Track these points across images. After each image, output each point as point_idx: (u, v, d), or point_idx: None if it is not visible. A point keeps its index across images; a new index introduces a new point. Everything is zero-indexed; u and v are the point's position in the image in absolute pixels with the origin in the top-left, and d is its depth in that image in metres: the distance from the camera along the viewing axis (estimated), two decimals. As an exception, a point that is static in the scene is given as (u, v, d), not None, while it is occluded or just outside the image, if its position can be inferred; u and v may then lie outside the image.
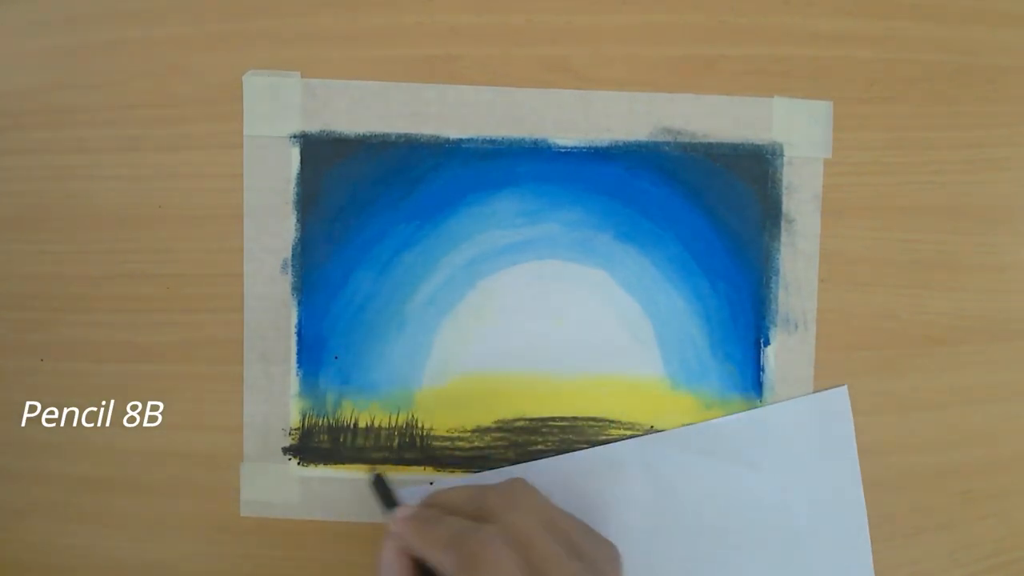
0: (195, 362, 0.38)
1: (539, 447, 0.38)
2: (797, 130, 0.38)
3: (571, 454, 0.38)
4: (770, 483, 0.38)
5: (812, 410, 0.38)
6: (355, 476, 0.38)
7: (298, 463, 0.38)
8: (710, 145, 0.38)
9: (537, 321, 0.38)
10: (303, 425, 0.38)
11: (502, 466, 0.38)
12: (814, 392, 0.38)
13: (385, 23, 0.38)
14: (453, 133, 0.38)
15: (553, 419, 0.38)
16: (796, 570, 0.37)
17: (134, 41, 0.38)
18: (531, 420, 0.38)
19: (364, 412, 0.38)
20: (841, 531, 0.38)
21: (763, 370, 0.38)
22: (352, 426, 0.38)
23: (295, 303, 0.38)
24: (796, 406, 0.38)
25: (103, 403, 0.38)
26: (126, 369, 0.38)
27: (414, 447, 0.38)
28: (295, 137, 0.38)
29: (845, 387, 0.38)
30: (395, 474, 0.38)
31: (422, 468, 0.38)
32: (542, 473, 0.37)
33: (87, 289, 0.38)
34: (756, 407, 0.38)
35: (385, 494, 0.33)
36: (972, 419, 0.39)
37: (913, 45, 0.38)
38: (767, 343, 0.38)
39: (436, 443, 0.38)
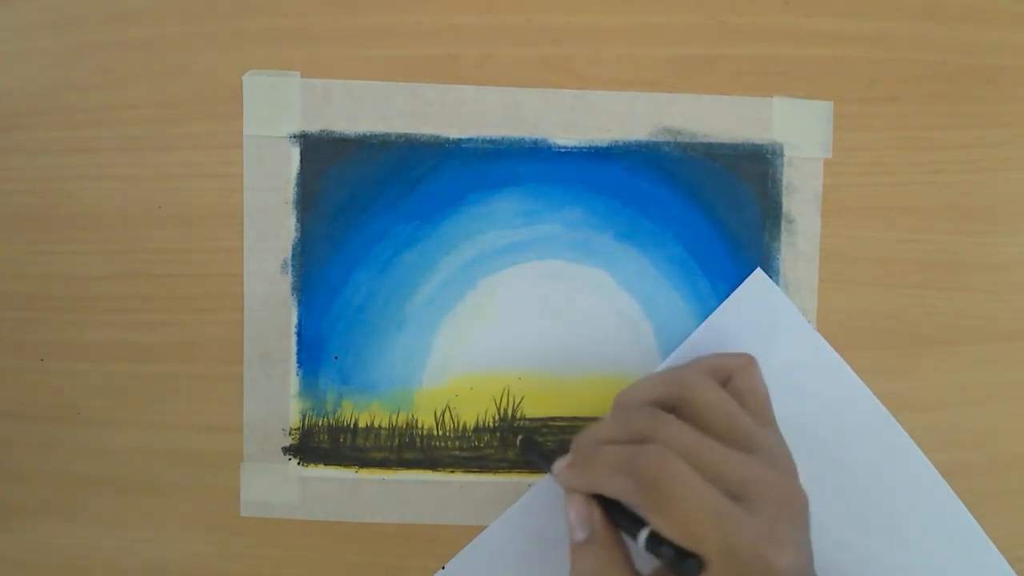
0: (195, 362, 0.38)
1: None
2: (797, 130, 0.38)
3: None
4: None
5: (740, 306, 0.38)
6: (355, 476, 0.38)
7: (298, 463, 0.38)
8: (710, 145, 0.38)
9: (537, 321, 0.38)
10: (303, 425, 0.38)
11: (502, 467, 0.38)
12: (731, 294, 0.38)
13: (385, 23, 0.38)
14: (453, 133, 0.38)
15: (553, 419, 0.38)
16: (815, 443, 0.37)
17: (134, 41, 0.38)
18: (531, 420, 0.38)
19: (364, 412, 0.38)
20: (833, 394, 0.37)
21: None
22: (352, 426, 0.38)
23: (295, 303, 0.38)
24: (723, 314, 0.38)
25: (103, 403, 0.38)
26: (126, 369, 0.38)
27: (414, 447, 0.38)
28: (295, 137, 0.38)
29: (758, 268, 0.38)
30: (395, 474, 0.38)
31: (422, 468, 0.38)
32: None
33: (87, 289, 0.38)
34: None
35: (539, 452, 0.34)
36: (972, 419, 0.39)
37: (913, 45, 0.38)
38: (767, 343, 0.38)
39: (436, 443, 0.38)
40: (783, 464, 0.31)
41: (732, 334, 0.37)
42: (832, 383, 0.38)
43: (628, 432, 0.31)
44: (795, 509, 0.29)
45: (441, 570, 0.37)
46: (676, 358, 0.38)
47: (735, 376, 0.33)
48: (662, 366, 0.38)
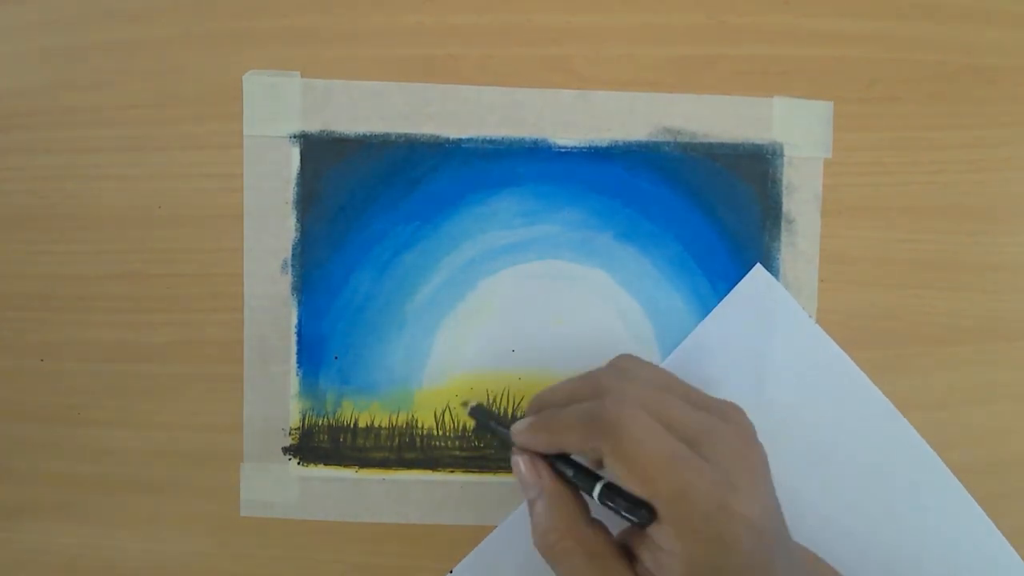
0: (195, 362, 0.38)
1: (539, 447, 0.38)
2: (797, 130, 0.38)
3: None
4: (744, 386, 0.37)
5: (740, 302, 0.38)
6: (355, 476, 0.38)
7: (298, 463, 0.38)
8: (710, 145, 0.38)
9: (537, 321, 0.38)
10: (303, 425, 0.38)
11: (502, 467, 0.38)
12: (731, 290, 0.38)
13: (385, 23, 0.38)
14: (453, 133, 0.38)
15: (553, 419, 0.38)
16: (823, 448, 0.37)
17: (134, 41, 0.38)
18: (531, 420, 0.38)
19: (364, 412, 0.38)
20: (836, 387, 0.38)
21: (763, 370, 0.38)
22: (352, 426, 0.38)
23: (295, 303, 0.38)
24: (724, 310, 0.38)
25: (103, 403, 0.38)
26: (126, 369, 0.38)
27: (414, 447, 0.38)
28: (295, 137, 0.38)
29: (758, 264, 0.38)
30: (395, 474, 0.38)
31: (422, 468, 0.38)
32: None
33: (87, 289, 0.38)
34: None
35: (490, 418, 0.34)
36: (972, 419, 0.39)
37: (913, 45, 0.38)
38: (767, 343, 0.38)
39: (436, 443, 0.38)
40: (739, 421, 0.31)
41: (734, 329, 0.38)
42: (834, 375, 0.38)
43: (590, 389, 0.31)
44: (754, 461, 0.29)
45: (449, 574, 0.37)
46: (680, 354, 0.38)
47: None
48: (665, 363, 0.38)
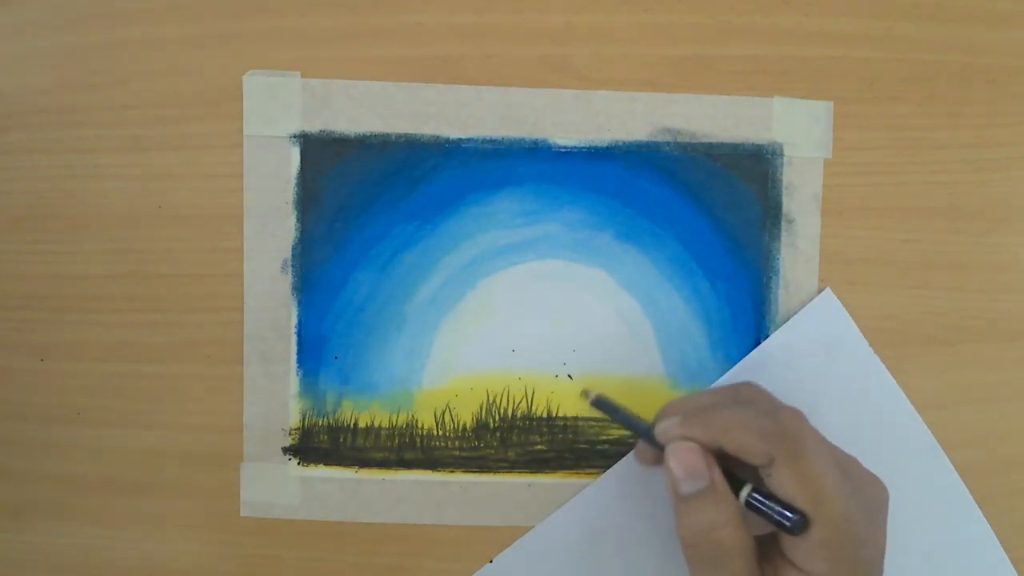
0: (195, 362, 0.38)
1: (539, 447, 0.38)
2: (797, 130, 0.38)
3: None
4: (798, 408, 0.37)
5: (805, 324, 0.38)
6: (355, 476, 0.38)
7: (298, 463, 0.38)
8: (710, 145, 0.38)
9: (537, 321, 0.38)
10: (303, 425, 0.38)
11: (501, 467, 0.38)
12: (799, 311, 0.38)
13: (385, 23, 0.38)
14: (453, 133, 0.38)
15: (553, 419, 0.38)
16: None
17: (134, 41, 0.38)
18: (531, 420, 0.38)
19: (364, 412, 0.38)
20: (885, 415, 0.38)
21: (763, 370, 0.38)
22: (352, 426, 0.38)
23: (295, 303, 0.38)
24: (789, 330, 0.38)
25: (103, 403, 0.38)
26: (126, 369, 0.38)
27: (414, 447, 0.38)
28: (295, 137, 0.38)
29: (827, 288, 0.38)
30: (395, 474, 0.38)
31: (422, 468, 0.38)
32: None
33: (87, 289, 0.38)
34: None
35: (617, 407, 0.34)
36: (972, 419, 0.39)
37: (913, 45, 0.38)
38: (767, 343, 0.38)
39: (436, 443, 0.38)
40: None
41: (795, 350, 0.38)
42: (886, 411, 0.38)
43: (729, 398, 0.32)
44: (884, 494, 0.31)
45: (489, 563, 0.37)
46: (740, 369, 0.38)
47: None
48: (725, 378, 0.38)
